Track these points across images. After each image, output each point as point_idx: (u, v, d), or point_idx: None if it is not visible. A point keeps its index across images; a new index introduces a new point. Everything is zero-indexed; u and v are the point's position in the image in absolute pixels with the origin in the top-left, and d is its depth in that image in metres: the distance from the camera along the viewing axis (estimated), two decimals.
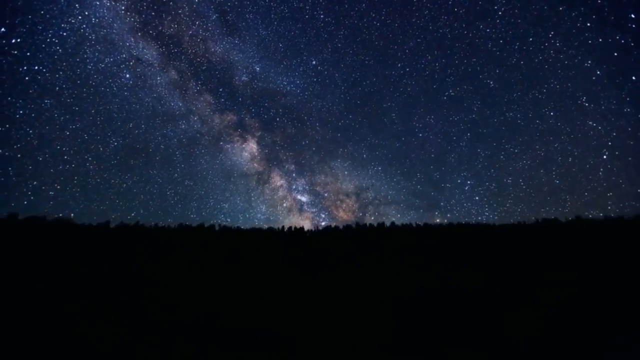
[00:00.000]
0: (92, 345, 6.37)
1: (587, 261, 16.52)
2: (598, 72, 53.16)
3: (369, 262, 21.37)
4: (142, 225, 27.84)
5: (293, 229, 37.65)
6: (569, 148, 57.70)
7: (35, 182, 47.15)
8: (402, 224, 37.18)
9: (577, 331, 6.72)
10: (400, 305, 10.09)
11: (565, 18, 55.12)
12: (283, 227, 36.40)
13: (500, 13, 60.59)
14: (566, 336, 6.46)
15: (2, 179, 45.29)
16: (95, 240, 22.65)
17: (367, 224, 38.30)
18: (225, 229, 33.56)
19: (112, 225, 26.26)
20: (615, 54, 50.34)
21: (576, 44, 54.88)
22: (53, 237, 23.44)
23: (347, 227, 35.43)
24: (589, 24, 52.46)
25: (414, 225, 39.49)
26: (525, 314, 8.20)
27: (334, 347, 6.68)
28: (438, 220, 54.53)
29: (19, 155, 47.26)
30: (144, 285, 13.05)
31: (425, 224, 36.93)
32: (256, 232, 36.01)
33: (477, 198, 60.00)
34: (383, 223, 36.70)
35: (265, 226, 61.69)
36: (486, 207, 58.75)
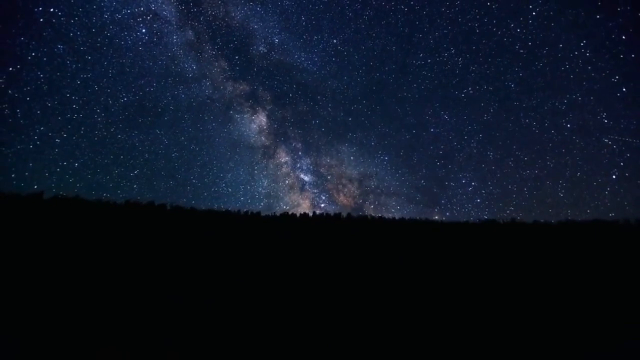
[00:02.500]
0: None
1: (583, 262, 17.43)
2: (624, 89, 49.51)
3: (329, 254, 22.11)
4: (82, 199, 25.63)
5: (249, 213, 37.38)
6: (580, 163, 54.04)
7: (42, 128, 46.76)
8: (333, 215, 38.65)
9: (573, 332, 6.95)
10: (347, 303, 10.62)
11: (601, 27, 50.24)
12: (239, 210, 35.99)
13: (534, 13, 55.48)
14: (564, 337, 6.65)
15: (10, 120, 44.38)
16: (25, 213, 20.58)
17: (325, 214, 39.30)
18: (177, 209, 32.27)
19: (46, 196, 23.84)
20: None
21: (607, 56, 50.54)
22: None
23: (304, 215, 36.13)
24: (623, 37, 48.74)
25: (369, 217, 41.35)
26: (523, 314, 8.35)
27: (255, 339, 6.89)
28: (437, 217, 53.80)
29: (27, 98, 45.89)
30: (79, 267, 12.36)
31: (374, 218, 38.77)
32: (212, 214, 35.18)
33: (478, 200, 58.41)
34: (340, 214, 37.97)
35: (265, 200, 60.48)
36: (486, 211, 56.80)
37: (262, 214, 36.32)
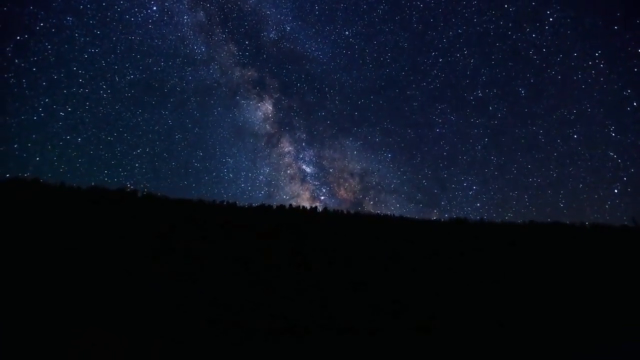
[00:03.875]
0: None
1: (582, 263, 18.66)
2: (635, 104, 48.78)
3: (307, 248, 22.43)
4: (44, 183, 23.55)
5: (226, 203, 36.62)
6: (583, 175, 53.51)
7: (47, 100, 46.26)
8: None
9: (571, 332, 7.34)
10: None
11: (617, 39, 49.70)
12: (215, 200, 35.14)
13: (551, 19, 54.11)
14: (562, 337, 7.02)
15: (15, 90, 43.71)
16: None
17: (302, 206, 39.44)
18: (149, 197, 30.87)
19: (3, 179, 21.64)
20: None
21: (620, 69, 50.13)
22: None
23: (281, 207, 36.06)
24: (639, 50, 48.24)
25: (345, 212, 42.04)
26: (522, 314, 8.80)
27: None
28: (435, 218, 53.38)
29: (34, 69, 45.59)
30: (42, 255, 11.72)
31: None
32: (185, 202, 34.11)
33: (478, 204, 57.98)
34: (316, 207, 38.27)
35: (266, 189, 59.25)
36: (485, 216, 57.14)
37: (238, 204, 35.80)
